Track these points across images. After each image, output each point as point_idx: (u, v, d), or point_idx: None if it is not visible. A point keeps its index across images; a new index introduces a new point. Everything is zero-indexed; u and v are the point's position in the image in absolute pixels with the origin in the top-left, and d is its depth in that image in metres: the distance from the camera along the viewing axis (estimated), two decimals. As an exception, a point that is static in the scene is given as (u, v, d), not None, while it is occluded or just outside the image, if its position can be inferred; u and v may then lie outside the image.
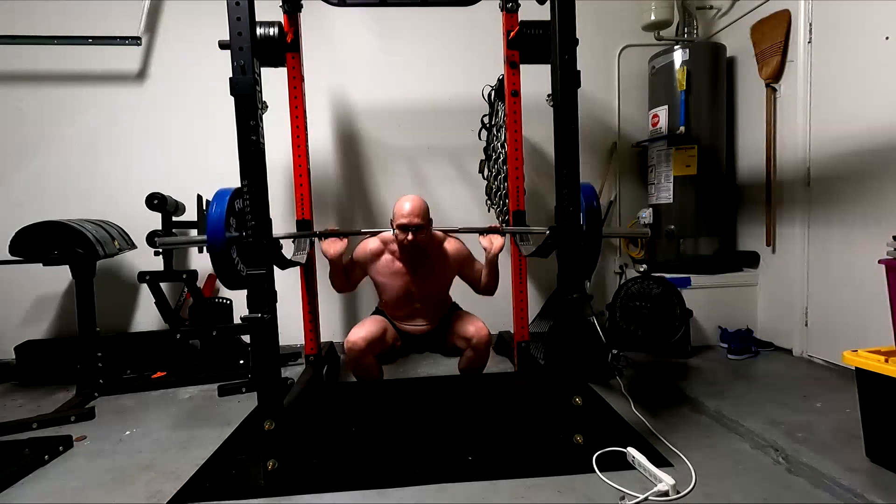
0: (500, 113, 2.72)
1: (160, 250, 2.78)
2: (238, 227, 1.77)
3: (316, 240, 2.06)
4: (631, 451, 1.64)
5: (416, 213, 1.99)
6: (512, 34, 2.40)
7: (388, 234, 2.12)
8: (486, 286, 2.19)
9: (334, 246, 2.05)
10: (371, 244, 2.15)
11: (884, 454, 1.48)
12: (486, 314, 3.19)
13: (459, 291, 2.42)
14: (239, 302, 2.82)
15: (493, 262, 2.09)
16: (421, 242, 2.01)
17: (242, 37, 1.54)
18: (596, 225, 1.77)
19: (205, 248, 2.82)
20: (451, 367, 2.79)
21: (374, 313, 2.36)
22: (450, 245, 2.17)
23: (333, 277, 2.16)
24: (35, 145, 3.08)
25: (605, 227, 3.35)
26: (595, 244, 1.78)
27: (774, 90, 2.70)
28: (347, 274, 2.18)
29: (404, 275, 2.11)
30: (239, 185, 1.58)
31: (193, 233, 3.02)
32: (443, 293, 2.24)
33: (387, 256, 2.12)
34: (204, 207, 2.85)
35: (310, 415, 2.15)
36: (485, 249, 2.08)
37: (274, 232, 1.68)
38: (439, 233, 2.17)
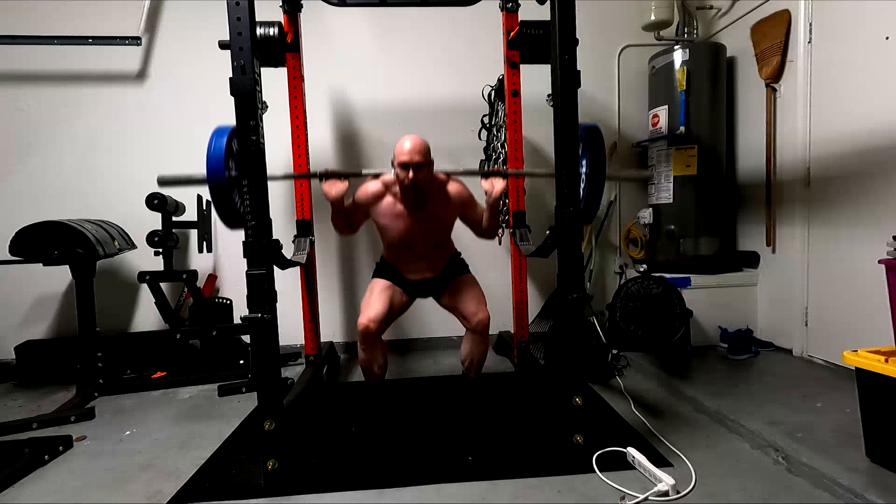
0: (500, 113, 2.72)
1: (160, 250, 2.78)
2: (237, 168, 1.75)
3: (318, 181, 2.02)
4: (631, 451, 1.64)
5: (418, 150, 1.93)
6: (512, 34, 2.40)
7: (390, 176, 2.06)
8: (487, 229, 2.14)
9: (335, 187, 1.99)
10: (372, 186, 2.10)
11: (884, 454, 1.48)
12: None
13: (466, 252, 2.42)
14: (239, 302, 2.82)
15: (494, 205, 2.05)
16: (422, 181, 1.96)
17: (242, 37, 1.54)
18: (600, 165, 1.83)
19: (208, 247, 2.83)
20: (451, 367, 2.80)
21: (375, 270, 2.30)
22: (452, 186, 2.13)
23: (335, 220, 2.10)
24: (35, 145, 3.08)
25: (605, 226, 3.35)
26: (598, 184, 1.86)
27: (774, 90, 2.70)
28: (349, 217, 2.13)
29: (406, 217, 2.06)
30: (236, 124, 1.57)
31: (193, 233, 3.02)
32: (445, 236, 2.19)
33: (388, 198, 2.07)
34: (204, 207, 2.86)
35: (310, 415, 2.15)
36: (486, 192, 2.04)
37: (274, 232, 1.68)
38: (441, 175, 2.12)
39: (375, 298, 2.12)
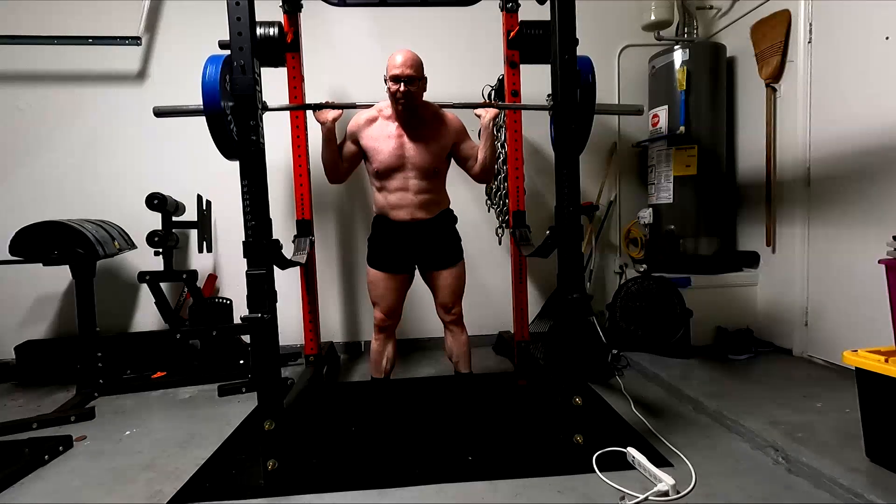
0: (500, 113, 2.72)
1: (160, 250, 2.78)
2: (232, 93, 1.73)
3: (310, 112, 2.00)
4: (631, 451, 1.64)
5: (409, 63, 1.89)
6: (512, 34, 2.40)
7: (384, 102, 2.05)
8: (483, 163, 2.06)
9: (328, 112, 1.98)
10: (365, 113, 2.04)
11: (884, 454, 1.48)
12: (486, 314, 3.22)
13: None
14: (239, 302, 2.82)
15: (488, 129, 2.02)
16: (415, 95, 1.93)
17: (242, 37, 1.55)
18: (590, 99, 1.88)
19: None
20: (450, 367, 2.79)
21: (368, 252, 2.15)
22: (447, 113, 2.10)
23: (326, 152, 2.03)
24: (35, 145, 3.08)
25: (605, 226, 3.35)
26: (588, 117, 1.91)
27: (774, 90, 2.70)
28: (340, 152, 2.09)
29: (398, 137, 1.99)
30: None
31: (193, 233, 3.02)
32: (438, 164, 2.08)
33: (381, 121, 2.03)
34: (204, 207, 2.86)
35: (310, 415, 2.15)
36: (478, 117, 2.03)
37: (274, 232, 1.68)
38: (435, 105, 2.10)
39: (383, 291, 2.07)
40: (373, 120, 2.04)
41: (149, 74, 3.12)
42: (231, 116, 1.72)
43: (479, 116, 2.02)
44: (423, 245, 2.09)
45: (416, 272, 2.17)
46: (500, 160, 2.73)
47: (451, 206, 2.18)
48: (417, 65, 1.92)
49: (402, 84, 1.88)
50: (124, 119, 3.09)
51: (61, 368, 2.76)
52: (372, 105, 2.05)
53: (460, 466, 1.68)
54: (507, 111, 2.53)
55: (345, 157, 2.08)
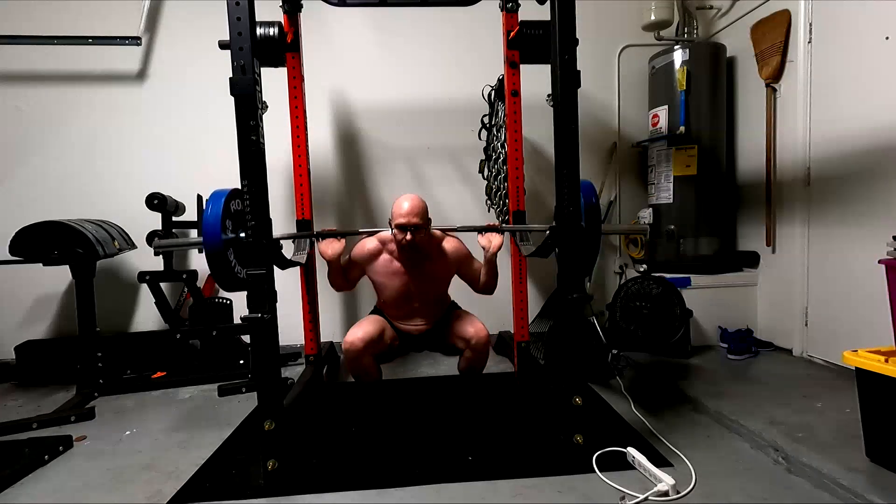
0: (500, 113, 2.72)
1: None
2: (234, 228, 1.77)
3: (315, 240, 2.05)
4: (631, 451, 1.64)
5: (415, 212, 1.97)
6: (512, 34, 2.40)
7: (387, 233, 2.11)
8: (485, 285, 2.19)
9: (332, 247, 2.04)
10: (369, 244, 2.14)
11: (884, 454, 1.48)
12: (486, 314, 3.19)
13: (459, 291, 2.42)
14: (239, 302, 2.82)
15: (491, 261, 2.09)
16: (420, 242, 2.00)
17: (242, 37, 1.54)
18: (595, 222, 1.78)
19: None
20: (451, 367, 2.79)
21: (372, 312, 2.35)
22: (448, 244, 2.17)
23: (332, 277, 2.16)
24: (35, 145, 3.08)
25: (605, 225, 3.35)
26: (595, 241, 1.81)
27: (774, 90, 2.70)
28: (346, 273, 2.17)
29: (402, 275, 2.10)
30: (236, 186, 1.58)
31: (193, 233, 3.02)
32: (441, 292, 2.23)
33: (385, 256, 2.12)
34: (204, 207, 2.86)
35: (310, 415, 2.15)
36: (483, 248, 2.07)
37: (274, 232, 1.68)
38: (438, 232, 2.16)
39: (367, 322, 2.18)
40: (376, 254, 2.12)
41: (149, 74, 3.12)
42: (232, 253, 1.74)
43: (484, 249, 2.06)
44: (427, 342, 2.31)
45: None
46: (500, 160, 2.72)
47: (452, 300, 2.38)
48: (423, 212, 2.00)
49: (408, 233, 1.93)
50: (124, 119, 3.10)
51: (61, 368, 2.76)
52: (375, 232, 2.13)
53: (460, 466, 1.68)
54: (506, 107, 2.53)
55: (350, 278, 2.22)
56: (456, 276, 2.29)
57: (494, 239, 2.03)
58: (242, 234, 1.66)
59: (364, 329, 2.12)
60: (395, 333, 2.27)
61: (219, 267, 1.68)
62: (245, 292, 1.57)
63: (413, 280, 2.11)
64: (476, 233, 2.16)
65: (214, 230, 1.65)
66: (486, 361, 2.31)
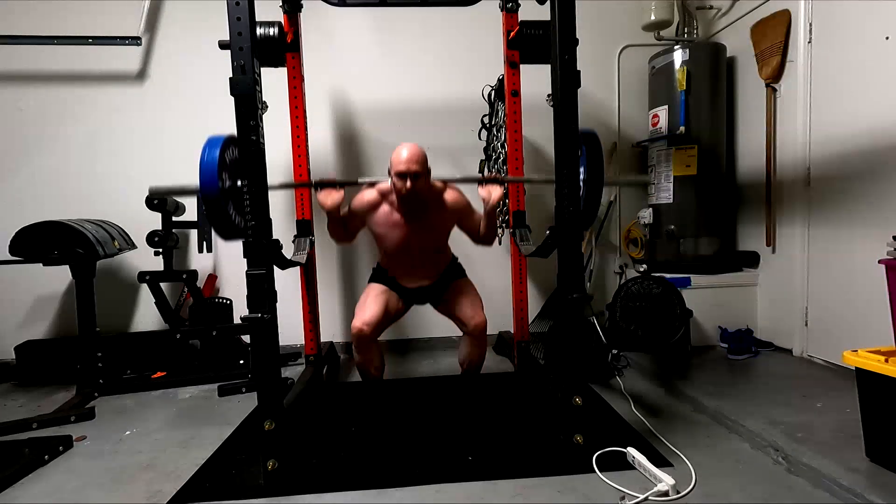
0: (500, 113, 2.72)
1: (160, 250, 2.78)
2: (231, 177, 1.72)
3: (314, 190, 2.00)
4: (631, 451, 1.64)
5: (415, 160, 1.92)
6: (512, 34, 2.40)
7: (386, 184, 2.05)
8: (485, 237, 2.13)
9: (331, 197, 1.97)
10: (368, 195, 2.08)
11: (884, 454, 1.48)
12: (486, 314, 3.20)
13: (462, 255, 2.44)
14: (239, 302, 2.82)
15: (491, 213, 2.04)
16: (420, 190, 1.95)
17: (242, 37, 1.54)
18: (598, 171, 1.84)
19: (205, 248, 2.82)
20: (451, 367, 2.80)
21: (371, 277, 2.29)
22: (449, 195, 2.11)
23: (331, 228, 2.09)
24: (35, 145, 3.08)
25: (605, 226, 3.35)
26: (597, 191, 1.86)
27: (774, 90, 2.70)
28: (346, 225, 2.12)
29: (403, 226, 2.05)
30: (231, 133, 1.57)
31: (193, 233, 3.02)
32: (442, 244, 2.17)
33: (385, 207, 2.06)
34: (204, 207, 2.85)
35: (310, 415, 2.15)
36: (483, 200, 2.03)
37: (274, 231, 1.68)
38: (438, 183, 2.10)
39: (371, 302, 2.11)
40: (376, 204, 2.08)
41: (149, 74, 3.12)
42: (229, 198, 1.70)
43: (484, 200, 2.03)
44: (429, 296, 2.25)
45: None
46: (500, 160, 2.73)
47: (453, 254, 2.33)
48: (423, 160, 1.96)
49: (408, 180, 1.90)
50: (124, 119, 3.09)
51: (61, 368, 2.76)
52: (375, 183, 2.07)
53: (460, 466, 1.68)
54: (506, 106, 2.53)
55: (349, 229, 2.16)
56: (457, 228, 2.25)
57: (495, 191, 1.99)
58: (239, 183, 1.64)
59: (369, 311, 2.06)
60: (399, 299, 2.21)
61: (217, 214, 1.65)
62: (245, 291, 1.57)
63: (413, 231, 2.05)
64: (476, 185, 2.11)
65: (211, 177, 1.61)
66: (485, 349, 2.23)
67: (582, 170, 1.83)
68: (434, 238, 2.13)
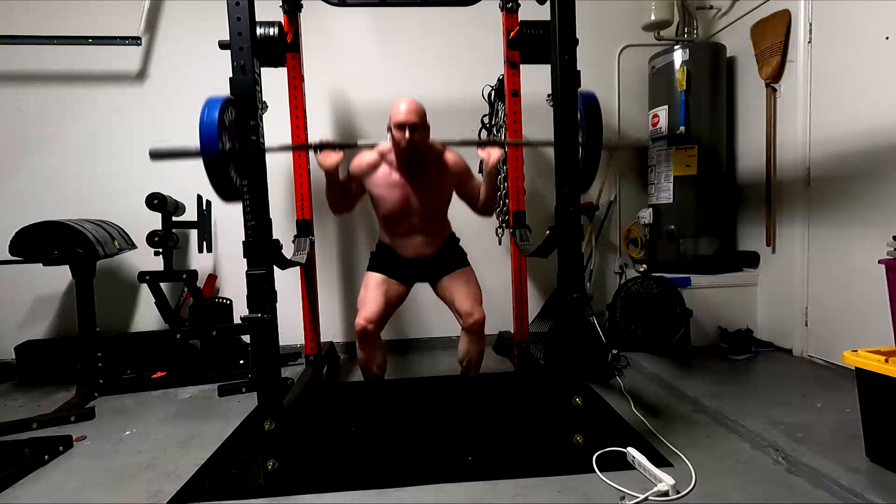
0: (500, 113, 2.72)
1: (160, 250, 2.78)
2: (230, 138, 1.71)
3: (314, 152, 1.98)
4: (631, 451, 1.64)
5: (414, 111, 1.89)
6: (512, 34, 2.40)
7: (386, 145, 2.05)
8: (485, 203, 2.10)
9: (330, 157, 1.95)
10: (367, 156, 2.05)
11: (884, 454, 1.48)
12: (486, 314, 3.20)
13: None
14: (239, 302, 2.82)
15: (491, 174, 2.02)
16: (419, 144, 1.92)
17: (242, 37, 1.55)
18: (596, 132, 1.82)
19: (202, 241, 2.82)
20: (451, 367, 2.80)
21: (370, 260, 2.23)
22: (449, 156, 2.08)
23: (330, 194, 2.05)
24: (35, 145, 3.08)
25: (605, 226, 3.35)
26: (595, 152, 1.84)
27: (774, 90, 2.70)
28: (344, 190, 2.10)
29: (403, 185, 2.01)
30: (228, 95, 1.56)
31: (193, 233, 3.02)
32: (442, 209, 2.13)
33: (384, 168, 2.03)
34: (204, 207, 2.86)
35: (310, 415, 2.15)
36: (482, 161, 2.02)
37: (274, 228, 1.68)
38: (438, 144, 2.09)
39: (372, 295, 2.08)
40: (375, 165, 2.05)
41: (149, 74, 3.12)
42: (230, 159, 1.70)
43: (483, 161, 2.02)
44: (429, 270, 2.17)
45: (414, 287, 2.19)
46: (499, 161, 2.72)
47: (453, 231, 2.24)
48: (421, 112, 1.93)
49: (406, 132, 1.88)
50: (124, 119, 3.09)
51: (61, 368, 2.76)
52: (374, 145, 2.05)
53: (460, 466, 1.68)
54: (507, 108, 2.53)
55: (349, 196, 2.11)
56: (456, 196, 2.20)
57: (494, 152, 1.99)
58: (238, 144, 1.65)
59: (370, 307, 2.03)
60: (399, 284, 2.17)
61: (217, 174, 1.65)
62: (245, 291, 1.57)
63: (413, 190, 2.02)
64: (476, 148, 2.09)
65: (211, 137, 1.61)
66: (484, 345, 2.20)
67: (581, 132, 1.81)
68: (434, 199, 2.07)
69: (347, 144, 2.06)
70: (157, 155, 1.76)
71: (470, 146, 2.07)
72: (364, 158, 2.06)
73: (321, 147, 1.96)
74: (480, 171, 2.13)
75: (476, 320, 2.08)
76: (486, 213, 2.18)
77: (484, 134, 2.95)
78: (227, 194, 1.71)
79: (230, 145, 1.69)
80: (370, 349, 2.10)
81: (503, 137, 2.68)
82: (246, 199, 1.58)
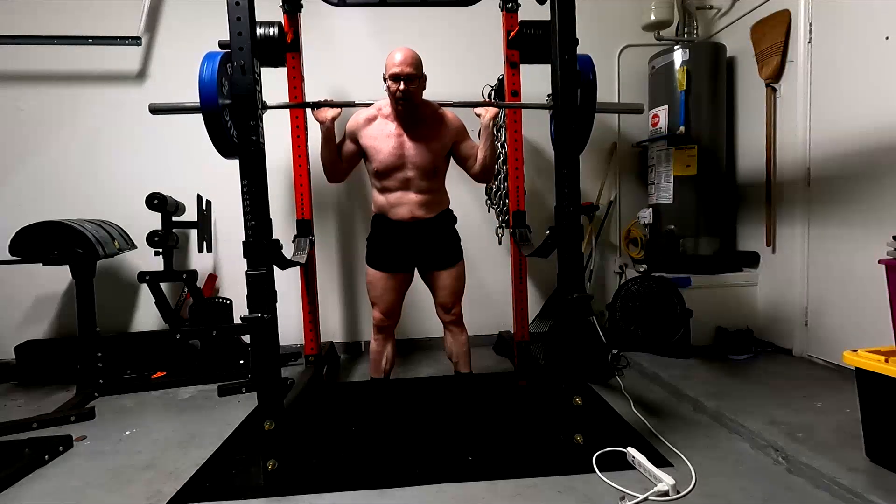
0: (500, 113, 2.72)
1: (160, 250, 2.78)
2: (230, 91, 1.71)
3: (311, 109, 1.99)
4: (631, 451, 1.64)
5: (409, 61, 1.88)
6: (512, 34, 2.40)
7: (383, 101, 2.05)
8: (482, 166, 2.06)
9: (327, 111, 1.96)
10: (364, 112, 2.02)
11: (884, 454, 1.48)
12: (486, 314, 3.21)
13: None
14: (239, 302, 2.82)
15: (488, 129, 2.01)
16: (414, 94, 1.91)
17: (242, 37, 1.55)
18: (591, 97, 1.86)
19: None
20: (450, 367, 2.79)
21: (367, 251, 2.15)
22: (447, 112, 2.09)
23: (324, 150, 2.02)
24: (35, 145, 3.08)
25: (605, 226, 3.35)
26: (589, 117, 1.90)
27: (774, 90, 2.70)
28: (340, 151, 2.08)
29: (398, 136, 1.98)
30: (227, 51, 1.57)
31: (193, 233, 3.02)
32: (437, 163, 2.06)
33: (380, 120, 2.01)
34: (204, 207, 2.86)
35: (310, 415, 2.15)
36: (478, 116, 2.02)
37: (274, 228, 1.68)
38: (435, 104, 2.08)
39: (382, 290, 2.07)
40: (372, 119, 2.03)
41: (149, 74, 3.12)
42: (228, 114, 1.72)
43: (478, 116, 2.03)
44: (423, 245, 2.08)
45: (416, 272, 2.17)
46: (499, 160, 2.73)
47: (450, 207, 2.18)
48: (417, 63, 1.91)
49: (401, 82, 1.87)
50: (124, 119, 3.09)
51: (61, 368, 2.76)
52: (371, 104, 2.04)
53: (460, 466, 1.68)
54: (506, 111, 2.53)
55: (344, 157, 2.07)
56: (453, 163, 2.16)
57: (490, 110, 2.01)
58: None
59: (385, 302, 2.06)
60: (400, 270, 2.11)
61: (216, 130, 1.67)
62: (245, 291, 1.57)
63: (409, 140, 1.99)
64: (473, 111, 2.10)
65: (211, 91, 1.63)
66: (466, 336, 2.17)
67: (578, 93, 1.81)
68: (430, 152, 2.01)
69: (345, 103, 2.05)
70: (156, 110, 1.78)
71: (467, 107, 2.07)
72: (360, 114, 2.04)
73: (319, 105, 1.97)
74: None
75: (454, 314, 2.10)
76: (485, 175, 2.11)
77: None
78: (225, 150, 1.74)
79: (228, 102, 1.70)
80: (384, 341, 2.13)
81: (503, 138, 2.68)
82: (246, 199, 1.58)
